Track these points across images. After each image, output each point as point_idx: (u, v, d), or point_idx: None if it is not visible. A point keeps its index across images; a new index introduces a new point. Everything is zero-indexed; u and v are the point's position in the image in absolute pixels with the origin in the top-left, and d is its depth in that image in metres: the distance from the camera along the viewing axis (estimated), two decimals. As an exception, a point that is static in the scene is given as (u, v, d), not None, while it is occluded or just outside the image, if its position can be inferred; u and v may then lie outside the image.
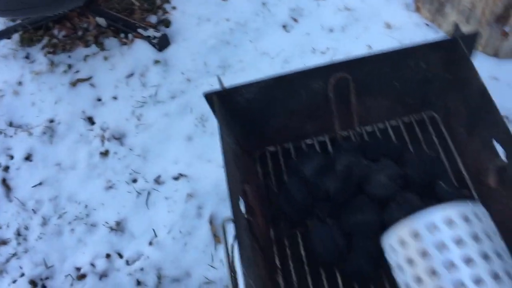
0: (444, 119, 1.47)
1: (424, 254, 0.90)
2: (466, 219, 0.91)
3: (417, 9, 2.38)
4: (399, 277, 0.97)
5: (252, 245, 1.06)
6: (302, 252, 1.29)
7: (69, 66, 2.59)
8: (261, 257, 1.09)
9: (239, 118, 1.22)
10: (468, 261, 0.87)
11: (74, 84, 2.50)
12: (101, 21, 2.68)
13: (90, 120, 2.38)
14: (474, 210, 0.94)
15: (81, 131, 2.34)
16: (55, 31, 2.77)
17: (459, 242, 0.89)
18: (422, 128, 1.54)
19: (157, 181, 2.14)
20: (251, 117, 1.25)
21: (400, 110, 1.41)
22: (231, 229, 1.17)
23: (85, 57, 2.61)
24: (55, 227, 2.08)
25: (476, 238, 0.90)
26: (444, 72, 1.31)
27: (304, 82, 1.17)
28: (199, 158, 2.17)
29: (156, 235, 2.01)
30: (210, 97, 1.13)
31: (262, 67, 2.35)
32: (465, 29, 1.43)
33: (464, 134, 1.32)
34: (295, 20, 2.52)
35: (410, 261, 0.92)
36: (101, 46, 2.62)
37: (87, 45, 2.64)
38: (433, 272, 0.89)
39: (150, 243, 2.00)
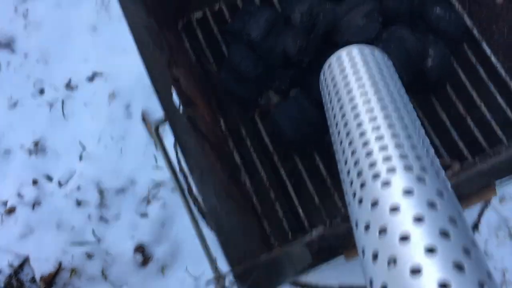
0: None
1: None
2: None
3: None
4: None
5: (200, 146, 0.84)
6: (267, 140, 1.04)
7: None
8: (215, 157, 0.88)
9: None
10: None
11: None
12: None
13: (-36, 29, 1.92)
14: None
15: (-44, 44, 1.89)
16: None
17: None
18: None
19: (69, 86, 1.81)
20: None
21: None
22: (168, 133, 0.94)
23: None
24: (-38, 164, 1.76)
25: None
26: None
27: None
28: (112, 50, 1.83)
29: (84, 148, 1.75)
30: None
31: None
32: None
33: None
34: None
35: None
36: None
37: None
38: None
39: (80, 158, 1.74)
